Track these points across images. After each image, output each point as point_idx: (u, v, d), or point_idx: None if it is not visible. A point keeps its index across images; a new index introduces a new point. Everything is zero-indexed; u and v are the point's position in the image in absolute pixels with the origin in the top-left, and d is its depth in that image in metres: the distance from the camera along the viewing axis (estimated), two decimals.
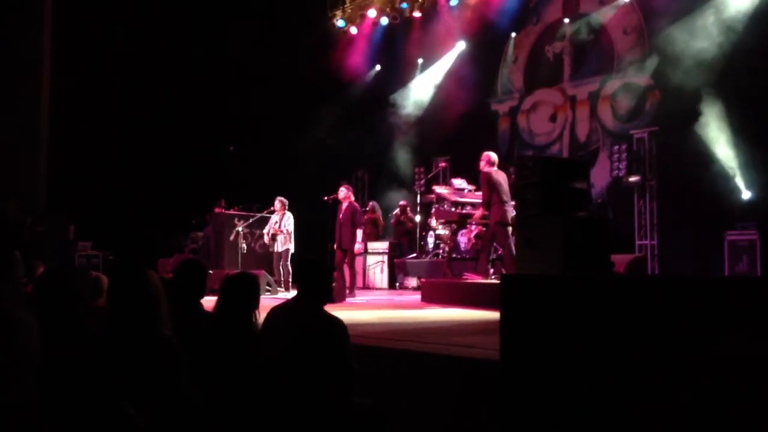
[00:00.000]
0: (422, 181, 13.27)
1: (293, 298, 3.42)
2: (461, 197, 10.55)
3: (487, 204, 8.76)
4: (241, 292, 3.42)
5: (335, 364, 3.05)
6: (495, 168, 8.63)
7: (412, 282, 11.93)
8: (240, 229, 11.37)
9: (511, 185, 8.53)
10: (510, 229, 8.20)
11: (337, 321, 3.21)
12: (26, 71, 12.65)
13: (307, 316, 3.19)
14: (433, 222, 11.45)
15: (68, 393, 2.13)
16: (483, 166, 8.66)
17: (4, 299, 1.37)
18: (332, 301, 8.30)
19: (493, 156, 8.76)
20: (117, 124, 13.65)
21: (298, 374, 2.96)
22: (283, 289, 10.31)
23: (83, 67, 13.19)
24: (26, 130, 12.61)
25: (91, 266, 11.64)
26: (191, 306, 3.40)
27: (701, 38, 10.37)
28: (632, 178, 11.17)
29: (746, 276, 9.00)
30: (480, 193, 10.06)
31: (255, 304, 3.50)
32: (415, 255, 12.63)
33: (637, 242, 11.19)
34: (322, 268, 3.39)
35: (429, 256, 12.04)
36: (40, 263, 4.83)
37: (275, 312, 3.37)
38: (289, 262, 10.44)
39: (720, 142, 10.12)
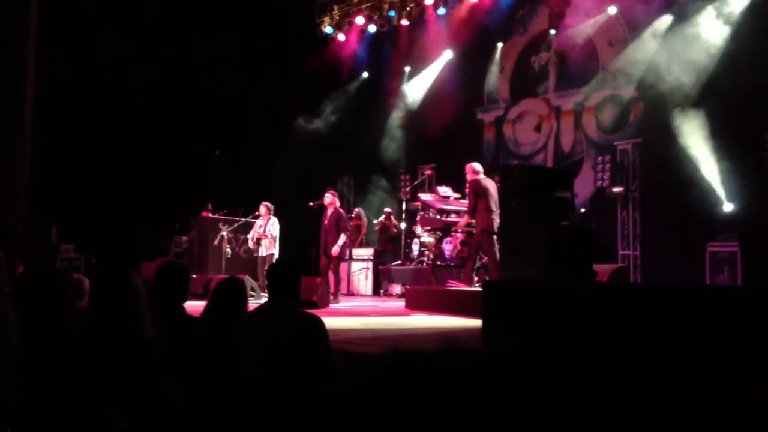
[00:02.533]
0: (408, 189, 13.31)
1: (266, 302, 3.44)
2: (446, 205, 10.59)
3: (471, 212, 8.80)
4: (232, 296, 3.45)
5: (316, 361, 3.05)
6: (482, 176, 8.69)
7: (397, 289, 11.94)
8: (225, 233, 11.33)
9: (499, 194, 8.58)
10: (495, 237, 8.24)
11: (313, 317, 3.22)
12: (10, 70, 12.55)
13: (282, 316, 3.20)
14: (418, 229, 11.48)
15: (50, 393, 2.11)
16: (469, 176, 8.76)
17: None
18: (316, 306, 8.33)
19: (477, 165, 8.85)
20: (102, 126, 13.55)
21: (277, 373, 2.96)
22: (266, 295, 10.27)
23: (68, 67, 13.11)
24: (10, 130, 12.49)
25: (73, 269, 11.53)
26: (174, 309, 3.39)
27: (685, 50, 10.51)
28: (615, 189, 11.27)
29: (726, 285, 9.09)
30: (465, 201, 10.13)
31: (244, 307, 3.52)
32: (399, 262, 12.64)
33: (620, 252, 11.28)
34: (289, 270, 3.40)
35: (414, 263, 12.05)
36: (19, 262, 4.78)
37: (251, 316, 3.37)
38: None
39: (702, 154, 10.23)
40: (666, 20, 11.10)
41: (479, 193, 8.50)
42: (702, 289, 4.62)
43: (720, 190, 10.10)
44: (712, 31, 10.41)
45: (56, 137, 13.03)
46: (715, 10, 10.53)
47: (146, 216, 13.27)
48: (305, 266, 12.67)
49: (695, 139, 10.26)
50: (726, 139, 9.88)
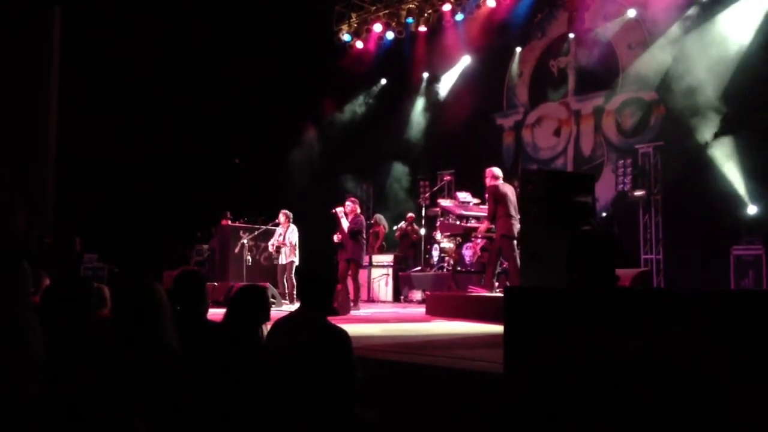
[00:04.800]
0: (427, 195, 13.30)
1: (296, 310, 3.44)
2: (466, 210, 10.56)
3: (491, 217, 8.77)
4: (250, 304, 3.46)
5: (338, 375, 3.05)
6: (500, 181, 8.66)
7: (417, 295, 11.93)
8: (245, 241, 11.40)
9: (517, 199, 8.54)
10: (516, 242, 8.20)
11: (339, 331, 3.22)
12: (34, 83, 12.77)
13: (310, 326, 3.20)
14: (438, 235, 11.46)
15: (73, 404, 2.14)
16: (488, 181, 8.73)
17: (15, 302, 1.40)
18: (336, 313, 8.34)
19: (497, 170, 8.81)
20: (123, 136, 13.71)
21: (301, 385, 2.97)
22: (287, 302, 10.32)
23: (91, 79, 13.28)
24: (34, 141, 12.70)
25: (96, 278, 11.66)
26: (195, 317, 3.42)
27: (706, 52, 10.41)
28: (637, 193, 11.18)
29: (752, 290, 8.96)
30: (485, 207, 10.10)
31: (264, 315, 3.53)
32: (419, 268, 12.63)
33: (643, 256, 11.17)
34: (324, 280, 3.40)
35: (434, 269, 12.03)
36: (46, 275, 4.84)
37: (278, 324, 3.38)
38: (293, 275, 10.47)
39: (725, 156, 10.12)
40: (686, 22, 11.00)
41: (498, 198, 8.46)
42: (728, 293, 4.56)
43: (744, 193, 9.97)
44: (733, 31, 10.31)
45: (80, 147, 13.21)
46: (736, 10, 10.42)
47: (168, 225, 13.38)
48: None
49: (718, 142, 10.15)
50: (749, 141, 9.76)
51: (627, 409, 2.65)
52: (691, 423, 2.53)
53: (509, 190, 8.47)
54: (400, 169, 14.82)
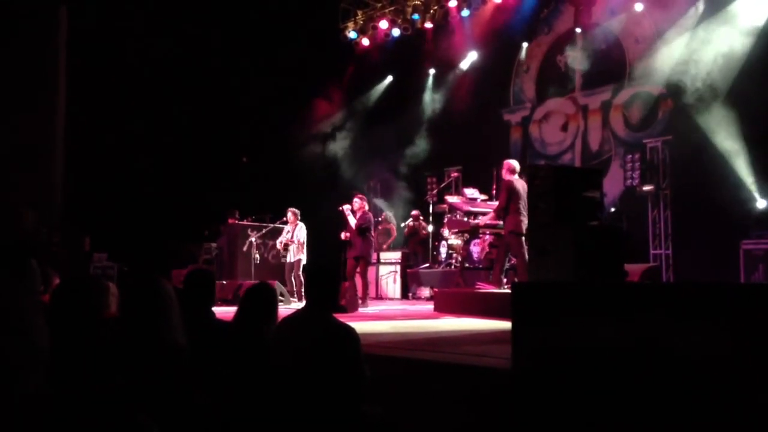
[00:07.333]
0: (434, 191, 13.27)
1: (302, 308, 3.44)
2: (473, 207, 10.54)
3: (502, 209, 8.70)
4: (262, 302, 3.47)
5: (346, 372, 3.05)
6: (515, 176, 8.62)
7: (425, 292, 11.92)
8: (253, 239, 11.43)
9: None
10: (524, 239, 8.17)
11: (347, 328, 3.22)
12: (43, 81, 12.81)
13: (318, 324, 3.20)
14: (446, 232, 11.45)
15: (82, 402, 2.15)
16: (505, 174, 8.68)
17: (21, 300, 1.41)
18: (345, 311, 8.35)
19: (514, 164, 8.75)
20: (132, 135, 13.76)
21: (309, 383, 2.97)
22: (296, 300, 10.34)
23: (98, 77, 13.33)
24: (43, 140, 12.75)
25: (106, 277, 11.70)
26: (202, 315, 3.43)
27: (714, 46, 10.35)
28: (646, 187, 11.12)
29: (760, 283, 8.91)
30: (492, 203, 10.07)
31: (275, 313, 3.54)
32: (427, 265, 12.62)
33: (652, 252, 11.12)
34: (330, 277, 3.40)
35: (442, 266, 12.02)
36: (55, 274, 4.86)
37: (286, 322, 3.38)
38: (301, 273, 10.49)
39: (734, 150, 10.06)
40: (694, 15, 10.93)
41: (511, 194, 8.44)
42: (738, 287, 4.54)
43: (753, 187, 9.91)
44: (742, 24, 10.24)
45: (88, 146, 13.26)
46: (745, 2, 10.35)
47: (176, 223, 13.43)
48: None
49: (726, 135, 10.09)
50: (758, 135, 9.70)
51: (636, 403, 2.64)
52: (700, 414, 2.52)
53: (521, 187, 8.39)
54: (406, 166, 14.80)
